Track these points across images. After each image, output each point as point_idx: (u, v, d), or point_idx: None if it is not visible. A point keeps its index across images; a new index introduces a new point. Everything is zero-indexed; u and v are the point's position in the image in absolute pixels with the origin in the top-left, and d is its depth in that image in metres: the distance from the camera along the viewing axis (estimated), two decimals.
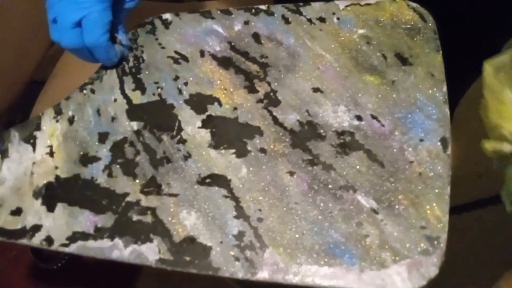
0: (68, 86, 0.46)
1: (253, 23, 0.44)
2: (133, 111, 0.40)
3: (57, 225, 0.35)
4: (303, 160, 0.36)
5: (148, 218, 0.35)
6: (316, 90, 0.39)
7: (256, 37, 0.43)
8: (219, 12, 0.45)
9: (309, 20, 0.43)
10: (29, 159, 0.39)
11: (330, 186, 0.35)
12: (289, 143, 0.37)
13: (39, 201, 0.36)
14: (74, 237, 0.34)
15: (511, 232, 0.69)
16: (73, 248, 0.34)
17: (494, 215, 0.76)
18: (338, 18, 0.43)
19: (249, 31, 0.43)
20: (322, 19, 0.43)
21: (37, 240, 0.35)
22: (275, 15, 0.44)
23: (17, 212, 0.36)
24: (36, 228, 0.35)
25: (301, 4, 0.44)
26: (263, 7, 0.44)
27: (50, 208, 0.36)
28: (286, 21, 0.43)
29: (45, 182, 0.37)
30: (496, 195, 0.36)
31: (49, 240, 0.35)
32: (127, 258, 0.33)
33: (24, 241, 0.35)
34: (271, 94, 0.39)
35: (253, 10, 0.44)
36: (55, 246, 0.34)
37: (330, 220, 0.33)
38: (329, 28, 0.42)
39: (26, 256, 0.76)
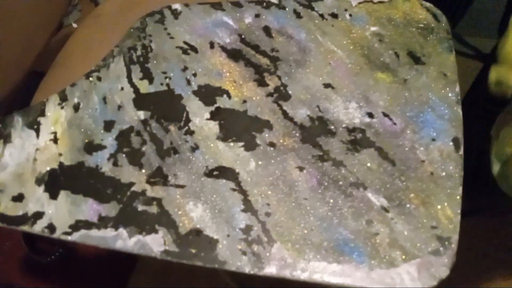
0: (69, 77, 0.45)
1: (264, 16, 0.43)
2: (140, 100, 0.39)
3: (59, 213, 0.34)
4: (313, 155, 0.35)
5: (154, 209, 0.34)
6: (327, 85, 0.39)
7: (267, 30, 0.42)
8: (229, 4, 0.44)
9: (321, 16, 0.42)
10: (32, 145, 0.38)
11: (340, 182, 0.34)
12: (299, 138, 0.36)
13: (42, 188, 0.36)
14: (77, 226, 0.34)
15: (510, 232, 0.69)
16: (75, 237, 0.33)
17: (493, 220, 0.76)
18: (350, 15, 0.42)
19: (259, 24, 0.43)
20: (334, 15, 0.42)
21: (38, 227, 0.34)
22: (287, 9, 0.43)
23: (18, 198, 0.35)
24: (38, 215, 0.34)
25: None
26: (274, 0, 0.44)
27: (53, 196, 0.35)
28: (298, 15, 0.43)
29: (48, 169, 0.36)
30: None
31: (51, 227, 0.34)
32: (131, 248, 0.32)
33: (25, 228, 0.34)
34: (282, 88, 0.39)
35: (264, 4, 0.44)
36: (57, 234, 0.33)
37: (340, 217, 0.33)
38: (341, 24, 0.42)
39: (19, 248, 0.75)
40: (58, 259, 0.73)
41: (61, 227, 0.34)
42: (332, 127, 0.37)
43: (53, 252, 0.73)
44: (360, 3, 0.42)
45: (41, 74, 0.71)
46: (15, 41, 0.65)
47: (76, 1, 0.91)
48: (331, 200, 0.33)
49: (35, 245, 0.76)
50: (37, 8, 0.65)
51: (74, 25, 0.86)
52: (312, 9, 0.43)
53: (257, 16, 0.43)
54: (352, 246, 0.31)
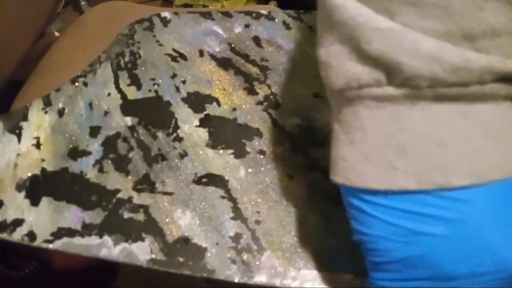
0: (51, 84, 0.44)
1: (253, 27, 0.43)
2: (128, 107, 0.38)
3: (41, 220, 0.33)
4: (302, 164, 0.35)
5: (140, 216, 0.33)
6: (316, 95, 0.39)
7: (256, 40, 0.42)
8: (219, 13, 0.44)
9: (310, 28, 0.43)
10: (13, 150, 0.36)
11: (329, 191, 0.34)
12: (288, 147, 0.36)
13: (22, 194, 0.34)
14: (59, 233, 0.32)
15: None
16: (57, 245, 0.32)
17: None
18: None
19: (249, 34, 0.43)
20: None
21: (18, 235, 0.32)
22: (276, 20, 0.44)
23: None
24: (18, 222, 0.33)
25: (302, 11, 0.44)
26: (264, 11, 0.44)
27: (34, 202, 0.34)
28: (287, 27, 0.43)
29: (29, 174, 0.35)
30: None
31: (31, 235, 0.32)
32: (116, 257, 0.31)
33: (3, 235, 0.33)
34: (271, 97, 0.39)
35: (254, 14, 0.44)
36: (38, 242, 0.32)
37: (330, 225, 0.32)
38: None
39: None
40: (33, 273, 0.70)
41: (42, 234, 0.32)
42: (321, 136, 0.37)
43: (28, 266, 0.70)
44: None
45: (21, 83, 0.69)
46: None
47: (59, 10, 0.90)
48: (321, 209, 0.33)
49: (8, 259, 0.73)
50: (19, 15, 0.64)
51: (56, 34, 0.85)
52: (301, 21, 0.44)
53: (246, 26, 0.43)
54: (342, 254, 0.31)
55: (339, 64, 0.22)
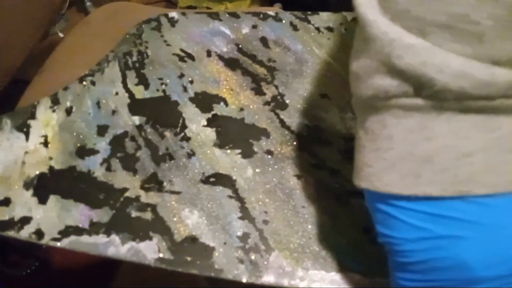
0: (57, 83, 0.44)
1: (261, 28, 0.43)
2: (135, 106, 0.38)
3: (48, 218, 0.33)
4: (310, 164, 0.35)
5: (148, 215, 0.33)
6: (323, 96, 0.39)
7: (263, 41, 0.43)
8: (226, 14, 0.44)
9: (317, 29, 0.43)
10: (21, 148, 0.36)
11: (337, 191, 0.34)
12: (296, 146, 0.36)
13: (30, 192, 0.34)
14: (67, 231, 0.32)
15: None
16: (65, 243, 0.32)
17: None
18: (345, 29, 0.43)
19: (256, 35, 0.43)
20: (330, 29, 0.43)
21: (25, 232, 0.32)
22: (283, 21, 0.44)
23: (5, 202, 0.34)
24: (25, 220, 0.33)
25: (309, 12, 0.44)
26: (271, 13, 0.44)
27: (42, 200, 0.34)
28: (294, 28, 0.43)
29: (37, 172, 0.35)
30: None
31: (39, 233, 0.32)
32: (123, 255, 0.31)
33: (11, 233, 0.32)
34: (279, 97, 0.39)
35: (261, 15, 0.44)
36: (46, 240, 0.32)
37: (338, 225, 0.32)
38: (336, 37, 0.42)
39: None
40: (33, 272, 0.70)
41: (50, 232, 0.32)
42: (329, 136, 0.37)
43: (28, 265, 0.70)
44: (355, 17, 0.43)
45: (25, 83, 0.69)
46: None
47: (63, 11, 0.90)
48: (329, 209, 0.33)
49: (8, 258, 0.73)
50: (23, 15, 0.64)
51: (61, 35, 0.85)
52: (308, 22, 0.44)
53: (254, 27, 0.44)
54: (350, 254, 0.31)
55: (368, 76, 0.23)
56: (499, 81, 0.19)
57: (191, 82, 0.40)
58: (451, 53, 0.20)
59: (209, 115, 0.38)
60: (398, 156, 0.22)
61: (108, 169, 0.35)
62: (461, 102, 0.20)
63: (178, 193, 0.34)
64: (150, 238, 0.32)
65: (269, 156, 0.36)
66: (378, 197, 0.23)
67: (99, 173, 0.35)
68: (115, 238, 0.32)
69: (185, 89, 0.39)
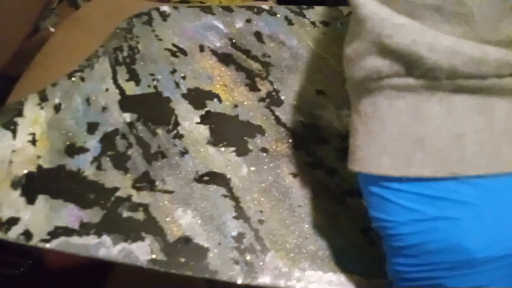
0: (47, 79, 0.43)
1: (255, 22, 0.42)
2: (126, 102, 0.37)
3: (37, 219, 0.32)
4: (306, 162, 0.35)
5: (140, 215, 0.32)
6: (319, 92, 0.38)
7: (258, 35, 0.42)
8: (220, 8, 0.43)
9: (313, 23, 0.42)
10: (8, 146, 0.35)
11: (334, 190, 0.33)
12: (292, 144, 0.35)
13: (18, 192, 0.33)
14: (56, 233, 0.31)
15: None
16: (54, 244, 0.31)
17: None
18: (341, 23, 0.42)
19: (251, 30, 0.42)
20: (325, 23, 0.42)
21: (13, 234, 0.31)
22: (278, 15, 0.43)
23: None
24: (13, 221, 0.32)
25: (304, 6, 0.43)
26: (265, 7, 0.43)
27: (30, 200, 0.33)
28: (289, 22, 0.42)
29: (25, 172, 0.34)
30: None
31: (27, 234, 0.31)
32: (115, 257, 0.30)
33: None
34: (274, 93, 0.38)
35: (255, 9, 0.43)
36: (34, 242, 0.31)
37: (335, 225, 0.32)
38: (332, 32, 0.42)
39: None
40: (27, 271, 0.69)
41: (39, 234, 0.31)
42: (325, 134, 0.36)
43: (22, 264, 0.69)
44: (351, 12, 0.42)
45: (14, 79, 0.68)
46: None
47: (54, 5, 0.89)
48: (326, 208, 0.32)
49: (1, 257, 0.71)
50: (10, 9, 0.63)
51: (51, 29, 0.83)
52: (304, 16, 0.43)
53: (248, 21, 0.43)
54: (348, 254, 0.31)
55: (359, 58, 0.23)
56: (490, 59, 0.19)
57: (184, 78, 0.39)
58: (441, 33, 0.20)
59: (202, 112, 0.37)
60: (389, 138, 0.22)
61: (99, 168, 0.34)
62: (453, 81, 0.20)
63: (171, 192, 0.33)
64: (143, 239, 0.31)
65: (264, 154, 0.35)
66: (371, 180, 0.23)
67: (89, 172, 0.34)
68: (106, 239, 0.31)
69: (177, 85, 0.38)
